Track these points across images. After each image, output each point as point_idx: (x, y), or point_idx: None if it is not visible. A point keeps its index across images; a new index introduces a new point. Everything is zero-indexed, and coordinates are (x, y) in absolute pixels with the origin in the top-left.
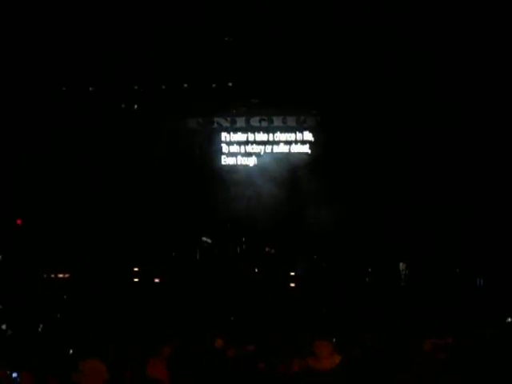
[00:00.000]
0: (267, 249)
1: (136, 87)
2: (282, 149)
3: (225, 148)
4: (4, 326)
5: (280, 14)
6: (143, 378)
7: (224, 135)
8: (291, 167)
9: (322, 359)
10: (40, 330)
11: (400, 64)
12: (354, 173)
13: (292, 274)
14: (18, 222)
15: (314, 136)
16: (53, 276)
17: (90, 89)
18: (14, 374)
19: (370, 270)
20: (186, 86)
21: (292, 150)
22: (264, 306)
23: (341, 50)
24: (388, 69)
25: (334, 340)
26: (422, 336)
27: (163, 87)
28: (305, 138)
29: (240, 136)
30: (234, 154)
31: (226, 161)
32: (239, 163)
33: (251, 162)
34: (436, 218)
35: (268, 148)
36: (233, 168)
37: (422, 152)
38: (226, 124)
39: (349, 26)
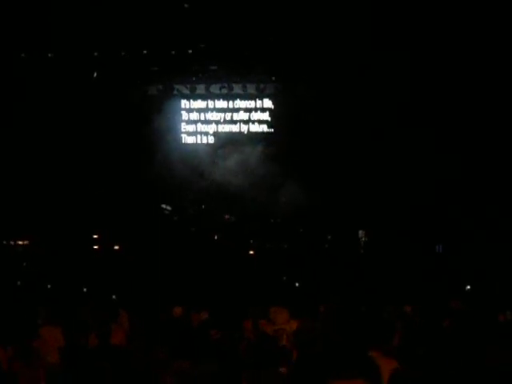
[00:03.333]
0: (227, 216)
1: (95, 54)
2: (241, 116)
3: (184, 115)
4: None
5: None
6: (106, 344)
7: (184, 102)
8: (250, 135)
9: (278, 326)
10: None
11: (359, 28)
12: (313, 140)
13: (251, 241)
14: None
15: (273, 103)
16: (12, 243)
17: (49, 55)
18: None
19: (328, 237)
20: (145, 52)
21: (252, 118)
22: (223, 273)
23: (300, 14)
24: (349, 34)
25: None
26: (380, 304)
27: (123, 54)
28: (265, 106)
29: (200, 103)
30: (194, 122)
31: (185, 128)
32: (199, 130)
33: (211, 129)
34: (395, 185)
35: (228, 115)
36: (193, 135)
37: (382, 118)
38: (185, 91)
39: None
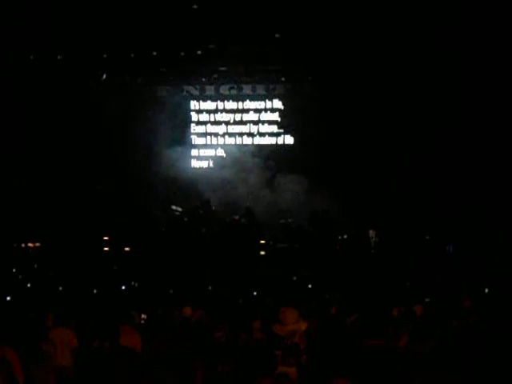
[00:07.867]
0: (237, 217)
1: (105, 56)
2: (251, 117)
3: (194, 116)
4: None
5: None
6: (116, 347)
7: (193, 103)
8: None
9: (288, 326)
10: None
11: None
12: (322, 140)
13: (262, 242)
14: None
15: (283, 104)
16: (23, 245)
17: (59, 57)
18: None
19: (339, 237)
20: (154, 54)
21: (262, 118)
22: (234, 273)
23: (310, 13)
24: (357, 36)
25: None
26: (390, 304)
27: (131, 55)
28: (274, 106)
29: (209, 104)
30: (204, 123)
31: (195, 129)
32: (208, 131)
33: (221, 130)
34: (405, 185)
35: (238, 116)
36: (203, 136)
37: (392, 121)
38: (195, 92)
39: None
